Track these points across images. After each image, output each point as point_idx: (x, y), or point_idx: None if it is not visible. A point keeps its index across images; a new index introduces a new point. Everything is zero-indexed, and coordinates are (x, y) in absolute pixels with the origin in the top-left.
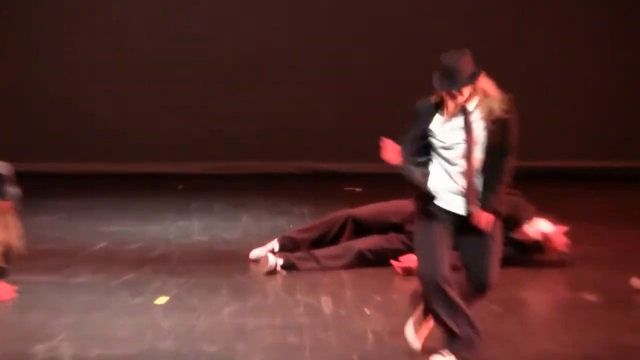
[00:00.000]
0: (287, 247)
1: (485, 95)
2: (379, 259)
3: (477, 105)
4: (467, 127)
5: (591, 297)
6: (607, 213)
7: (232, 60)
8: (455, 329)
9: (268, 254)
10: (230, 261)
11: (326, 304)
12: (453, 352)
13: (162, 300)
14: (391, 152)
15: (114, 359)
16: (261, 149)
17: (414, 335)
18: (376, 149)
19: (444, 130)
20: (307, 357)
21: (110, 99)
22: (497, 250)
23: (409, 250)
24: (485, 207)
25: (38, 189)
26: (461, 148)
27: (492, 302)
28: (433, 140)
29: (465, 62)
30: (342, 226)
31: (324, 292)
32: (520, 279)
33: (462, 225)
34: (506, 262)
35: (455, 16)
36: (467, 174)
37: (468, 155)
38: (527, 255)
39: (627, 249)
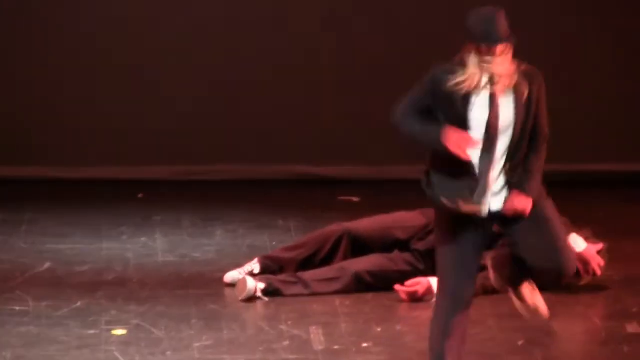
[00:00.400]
0: (270, 268)
1: (517, 65)
2: (380, 283)
3: (507, 76)
4: (493, 102)
5: (634, 328)
6: None
7: (202, 54)
8: (446, 356)
9: (246, 276)
10: (202, 285)
11: (316, 336)
12: None
13: (119, 332)
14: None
15: None
16: (239, 150)
17: (541, 301)
18: (378, 150)
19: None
20: None
21: (58, 95)
22: (559, 228)
23: (416, 272)
24: (521, 192)
25: None
26: (483, 127)
27: (514, 331)
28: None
29: (503, 18)
30: (336, 243)
31: (314, 322)
32: (548, 305)
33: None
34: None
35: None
36: (490, 161)
37: (492, 138)
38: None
39: None
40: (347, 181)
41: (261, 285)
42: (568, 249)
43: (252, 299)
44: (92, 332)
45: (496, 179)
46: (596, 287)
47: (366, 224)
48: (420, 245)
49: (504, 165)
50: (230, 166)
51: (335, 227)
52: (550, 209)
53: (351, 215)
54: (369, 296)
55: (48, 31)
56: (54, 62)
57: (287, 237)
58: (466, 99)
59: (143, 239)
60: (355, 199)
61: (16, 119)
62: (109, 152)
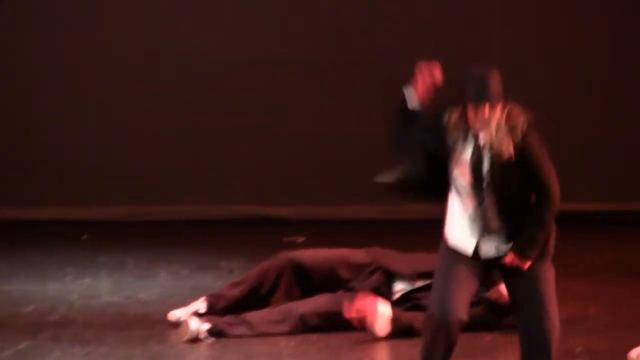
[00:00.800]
0: (215, 306)
1: (509, 119)
2: (327, 323)
3: (496, 131)
4: (475, 153)
5: None
6: (614, 265)
7: (148, 97)
8: None
9: (190, 318)
10: (147, 326)
11: None
12: None
13: None
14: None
15: None
16: (182, 190)
17: None
18: (323, 189)
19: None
20: None
21: None
22: (551, 294)
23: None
24: (516, 253)
25: None
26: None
27: None
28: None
29: (496, 77)
30: (281, 272)
31: None
32: (495, 347)
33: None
34: (478, 326)
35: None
36: (481, 211)
37: (479, 189)
38: (503, 319)
39: (630, 310)
40: (293, 221)
41: (206, 326)
42: (553, 319)
43: (196, 339)
44: None
45: (492, 228)
46: None
47: (310, 254)
48: (363, 286)
49: (500, 216)
50: (173, 207)
51: (279, 257)
52: (549, 271)
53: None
54: (314, 337)
55: None
56: None
57: (230, 277)
58: (455, 147)
59: (87, 279)
60: (300, 240)
61: None
62: (53, 193)
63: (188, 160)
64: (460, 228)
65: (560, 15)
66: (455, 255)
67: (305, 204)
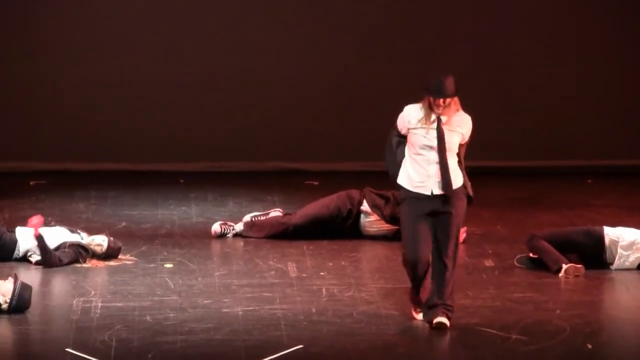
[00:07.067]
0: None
1: (456, 108)
2: (315, 228)
3: (450, 114)
4: (440, 131)
5: (489, 263)
6: (517, 200)
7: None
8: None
9: (216, 225)
10: (220, 237)
11: (292, 268)
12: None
13: (168, 265)
14: None
15: (132, 309)
16: (243, 151)
17: None
18: (333, 147)
19: (424, 130)
20: (277, 308)
21: (135, 110)
22: (459, 225)
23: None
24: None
25: (72, 183)
26: (434, 144)
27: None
28: (415, 137)
29: (451, 80)
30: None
31: (289, 259)
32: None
33: (434, 205)
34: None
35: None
36: (441, 162)
37: (441, 149)
38: None
39: (523, 229)
40: (311, 172)
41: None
42: (455, 248)
43: (222, 236)
44: (151, 265)
45: (441, 173)
46: (465, 240)
47: (304, 215)
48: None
49: (445, 165)
50: (236, 163)
51: (286, 220)
52: (462, 208)
53: (313, 192)
54: (324, 242)
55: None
56: (107, 72)
57: (274, 207)
58: (424, 125)
59: (183, 207)
60: (315, 183)
61: (112, 131)
62: (163, 153)
63: (241, 124)
64: (420, 177)
65: None
66: (415, 201)
67: (319, 159)
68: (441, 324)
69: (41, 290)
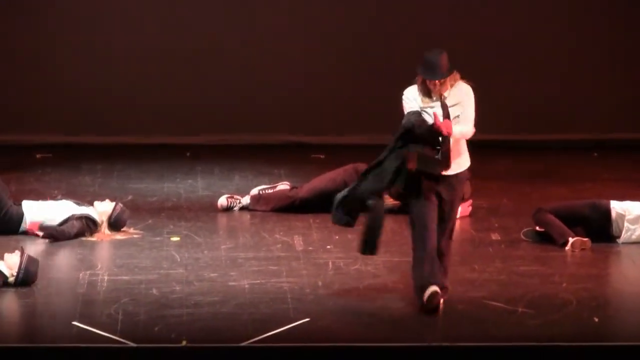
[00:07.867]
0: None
1: (451, 82)
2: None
3: (450, 92)
4: (444, 109)
5: (496, 237)
6: (524, 174)
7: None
8: (430, 278)
9: (223, 198)
10: (226, 210)
11: (298, 241)
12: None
13: (175, 238)
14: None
15: (138, 282)
16: (249, 124)
17: None
18: (334, 123)
19: (430, 109)
20: (283, 282)
21: (141, 83)
22: (458, 204)
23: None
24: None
25: (79, 156)
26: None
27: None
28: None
29: (444, 59)
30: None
31: (296, 232)
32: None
33: (439, 186)
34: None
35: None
36: (445, 141)
37: (447, 125)
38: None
39: (529, 202)
40: (317, 145)
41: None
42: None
43: (229, 209)
44: (158, 239)
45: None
46: (472, 213)
47: (310, 190)
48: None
49: (447, 143)
50: (243, 135)
51: (291, 194)
52: (464, 188)
53: (319, 166)
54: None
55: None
56: (114, 53)
57: (280, 180)
58: (426, 105)
59: (189, 181)
60: (322, 157)
61: (120, 105)
62: (169, 125)
63: (248, 98)
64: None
65: None
66: (424, 179)
67: (326, 133)
68: (435, 292)
69: (47, 264)
